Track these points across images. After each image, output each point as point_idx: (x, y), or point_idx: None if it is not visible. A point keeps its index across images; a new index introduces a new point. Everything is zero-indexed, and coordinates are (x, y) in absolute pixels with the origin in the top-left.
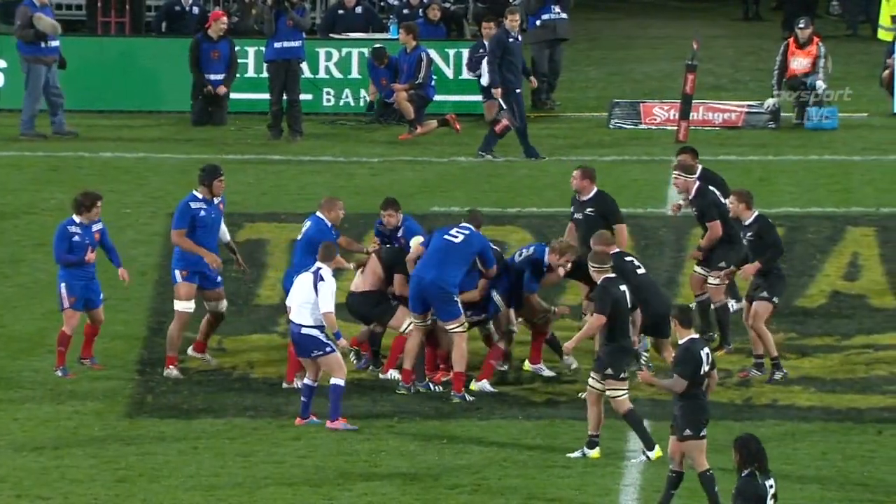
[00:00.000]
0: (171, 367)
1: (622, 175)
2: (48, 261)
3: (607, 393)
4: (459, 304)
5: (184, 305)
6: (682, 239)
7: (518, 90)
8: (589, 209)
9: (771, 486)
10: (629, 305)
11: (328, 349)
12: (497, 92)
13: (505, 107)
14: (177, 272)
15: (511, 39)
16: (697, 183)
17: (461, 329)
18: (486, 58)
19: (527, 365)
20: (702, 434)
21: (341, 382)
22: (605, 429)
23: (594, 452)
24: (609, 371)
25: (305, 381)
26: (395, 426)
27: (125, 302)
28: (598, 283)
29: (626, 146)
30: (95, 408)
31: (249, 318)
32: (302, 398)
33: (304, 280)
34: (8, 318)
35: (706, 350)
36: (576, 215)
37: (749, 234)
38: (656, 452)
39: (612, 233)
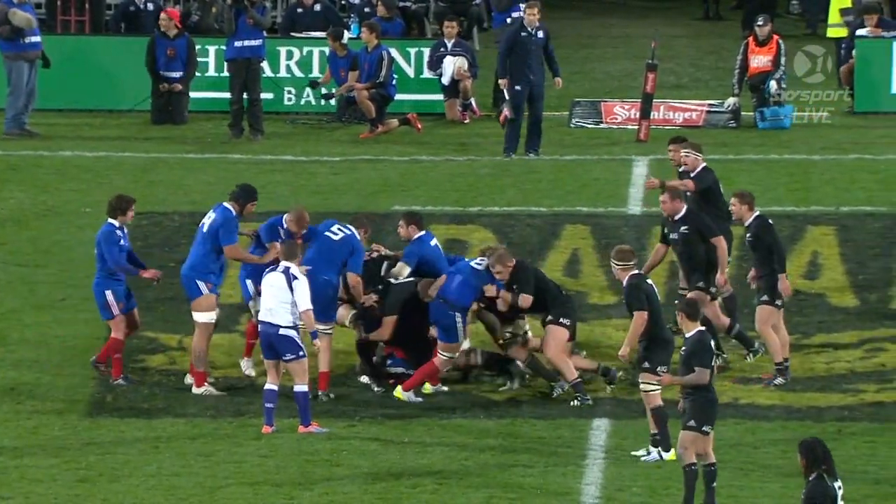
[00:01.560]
0: (204, 384)
1: (583, 174)
2: (8, 259)
3: (640, 385)
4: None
5: (208, 317)
6: (642, 238)
7: (521, 85)
8: (683, 228)
9: (839, 487)
10: (658, 298)
11: (301, 353)
12: (502, 83)
13: (507, 98)
14: (201, 284)
15: (524, 34)
16: (703, 163)
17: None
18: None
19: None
20: (704, 428)
21: (305, 388)
22: (567, 427)
23: (670, 455)
24: (645, 364)
25: (268, 386)
26: (356, 426)
27: (86, 301)
28: (626, 281)
29: (587, 145)
30: (55, 407)
31: None
32: (266, 404)
33: (274, 280)
34: None
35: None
36: (671, 235)
37: (749, 235)
38: (671, 455)
39: (709, 248)
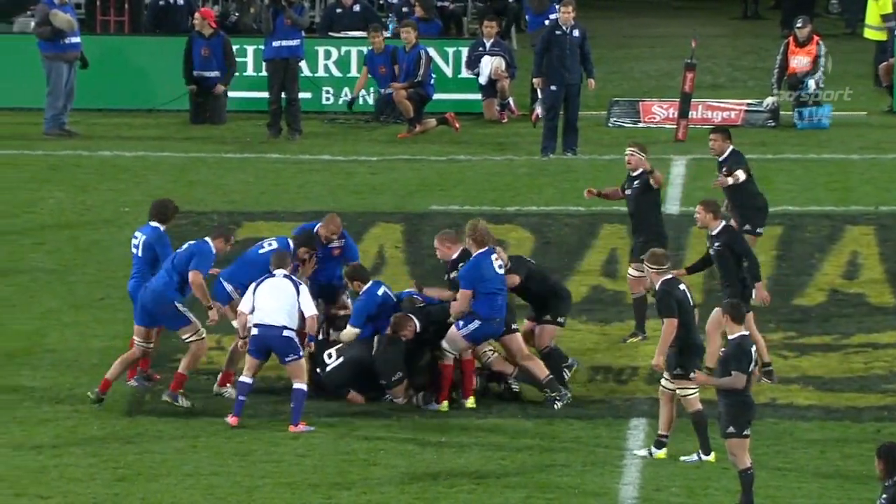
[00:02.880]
0: (227, 385)
1: (621, 174)
2: (46, 260)
3: (678, 392)
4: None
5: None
6: (681, 238)
7: (556, 85)
8: (717, 244)
9: None
10: (692, 304)
11: (301, 354)
12: (536, 82)
13: (540, 97)
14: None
15: (559, 32)
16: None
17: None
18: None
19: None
20: (745, 433)
21: (304, 387)
22: (604, 427)
23: (661, 453)
24: (679, 370)
25: (244, 378)
26: (394, 425)
27: (125, 301)
28: (659, 286)
29: (625, 145)
30: (94, 407)
31: None
32: (239, 396)
33: (280, 284)
34: (6, 318)
35: (753, 347)
36: (708, 248)
37: (717, 244)
38: (711, 458)
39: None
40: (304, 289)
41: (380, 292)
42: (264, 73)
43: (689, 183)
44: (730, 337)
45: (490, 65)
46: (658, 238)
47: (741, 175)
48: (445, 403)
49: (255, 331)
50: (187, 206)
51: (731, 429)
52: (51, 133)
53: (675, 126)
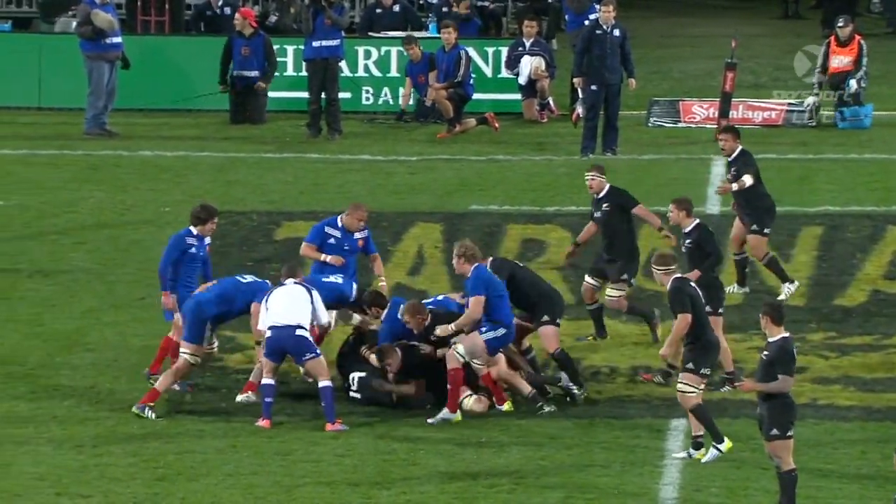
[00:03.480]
0: (249, 392)
1: (661, 174)
2: (86, 260)
3: (677, 385)
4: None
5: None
6: (721, 237)
7: (597, 85)
8: (688, 241)
9: None
10: (703, 301)
11: (317, 352)
12: (576, 81)
13: (581, 97)
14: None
15: (599, 31)
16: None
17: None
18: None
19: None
20: (788, 434)
21: (330, 383)
22: (644, 427)
23: (699, 453)
24: (689, 365)
25: (266, 380)
26: (433, 425)
27: None
28: (670, 285)
29: (665, 145)
30: (134, 406)
31: None
32: (265, 399)
33: (292, 290)
34: (47, 317)
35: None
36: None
37: (688, 241)
38: (727, 444)
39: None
40: (317, 295)
41: (400, 314)
42: (304, 73)
43: None
44: (771, 339)
45: (530, 65)
46: (630, 258)
47: (747, 181)
48: (459, 414)
49: (268, 333)
50: (227, 206)
51: (774, 431)
52: (91, 133)
53: (715, 126)
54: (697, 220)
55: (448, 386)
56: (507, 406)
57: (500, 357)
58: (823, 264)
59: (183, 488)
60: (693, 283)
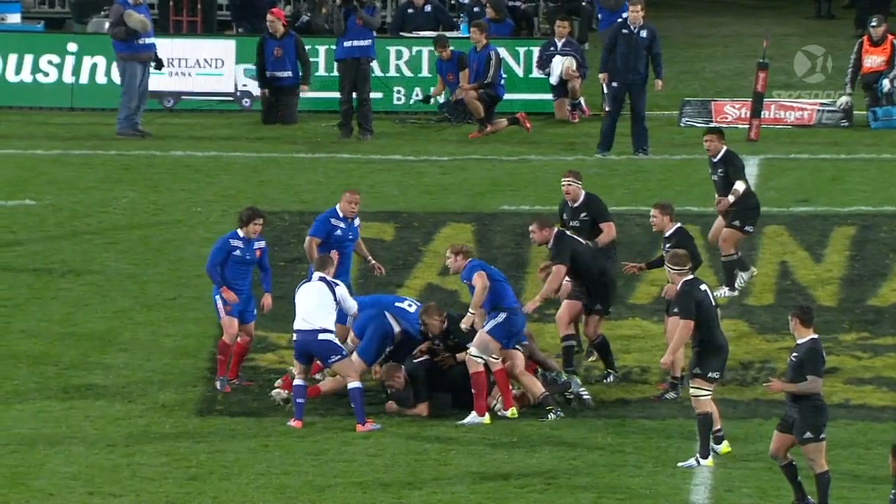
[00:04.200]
0: (283, 389)
1: (693, 174)
2: (120, 259)
3: (691, 391)
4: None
5: None
6: (753, 238)
7: (618, 83)
8: (668, 245)
9: None
10: (713, 303)
11: (344, 353)
12: (601, 77)
13: (605, 92)
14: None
15: (625, 31)
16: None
17: None
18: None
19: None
20: (822, 436)
21: (359, 384)
22: (676, 427)
23: (722, 447)
24: (697, 370)
25: (297, 382)
26: (464, 426)
27: (197, 300)
28: (679, 286)
29: (697, 145)
30: (166, 406)
31: None
32: (297, 399)
33: (314, 289)
34: (80, 317)
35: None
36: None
37: (668, 245)
38: (709, 461)
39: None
40: (342, 289)
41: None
42: (336, 73)
43: (762, 183)
44: (800, 341)
45: (561, 65)
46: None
47: (741, 188)
48: (487, 416)
49: (295, 336)
50: (259, 207)
51: (808, 434)
52: (124, 133)
53: (747, 126)
54: (678, 225)
55: (472, 390)
56: (511, 412)
57: (518, 355)
58: (856, 264)
59: (214, 488)
60: (704, 286)
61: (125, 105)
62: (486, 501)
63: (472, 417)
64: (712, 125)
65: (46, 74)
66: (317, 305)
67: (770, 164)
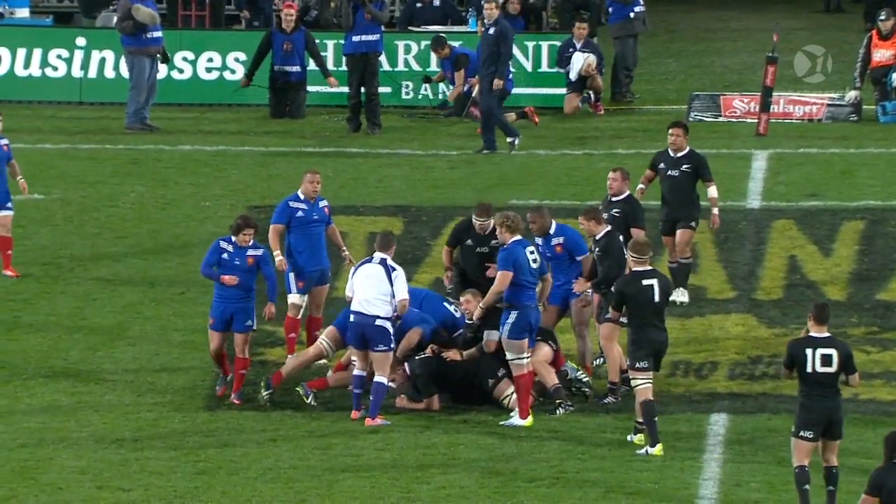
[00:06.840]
0: (311, 388)
1: None
2: (128, 254)
3: (631, 382)
4: None
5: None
6: (762, 232)
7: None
8: (598, 249)
9: None
10: (655, 300)
11: (392, 346)
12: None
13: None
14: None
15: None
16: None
17: None
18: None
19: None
20: (801, 434)
21: (386, 381)
22: (684, 422)
23: (636, 438)
24: (628, 362)
25: (357, 371)
26: (473, 419)
27: (206, 294)
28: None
29: (705, 139)
30: (175, 400)
31: (328, 312)
32: (355, 390)
33: (372, 272)
34: (88, 311)
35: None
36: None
37: (597, 249)
38: (657, 450)
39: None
40: (397, 273)
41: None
42: (344, 67)
43: (770, 178)
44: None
45: (582, 60)
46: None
47: (716, 192)
48: (530, 419)
49: (352, 317)
50: (266, 201)
51: (793, 428)
52: (132, 127)
53: (756, 120)
54: (608, 228)
55: (516, 392)
56: (528, 422)
57: (541, 346)
58: (865, 259)
59: (223, 482)
60: (651, 281)
61: (133, 99)
62: (495, 496)
63: (515, 420)
64: (678, 120)
65: (55, 69)
66: (375, 291)
67: (779, 158)
